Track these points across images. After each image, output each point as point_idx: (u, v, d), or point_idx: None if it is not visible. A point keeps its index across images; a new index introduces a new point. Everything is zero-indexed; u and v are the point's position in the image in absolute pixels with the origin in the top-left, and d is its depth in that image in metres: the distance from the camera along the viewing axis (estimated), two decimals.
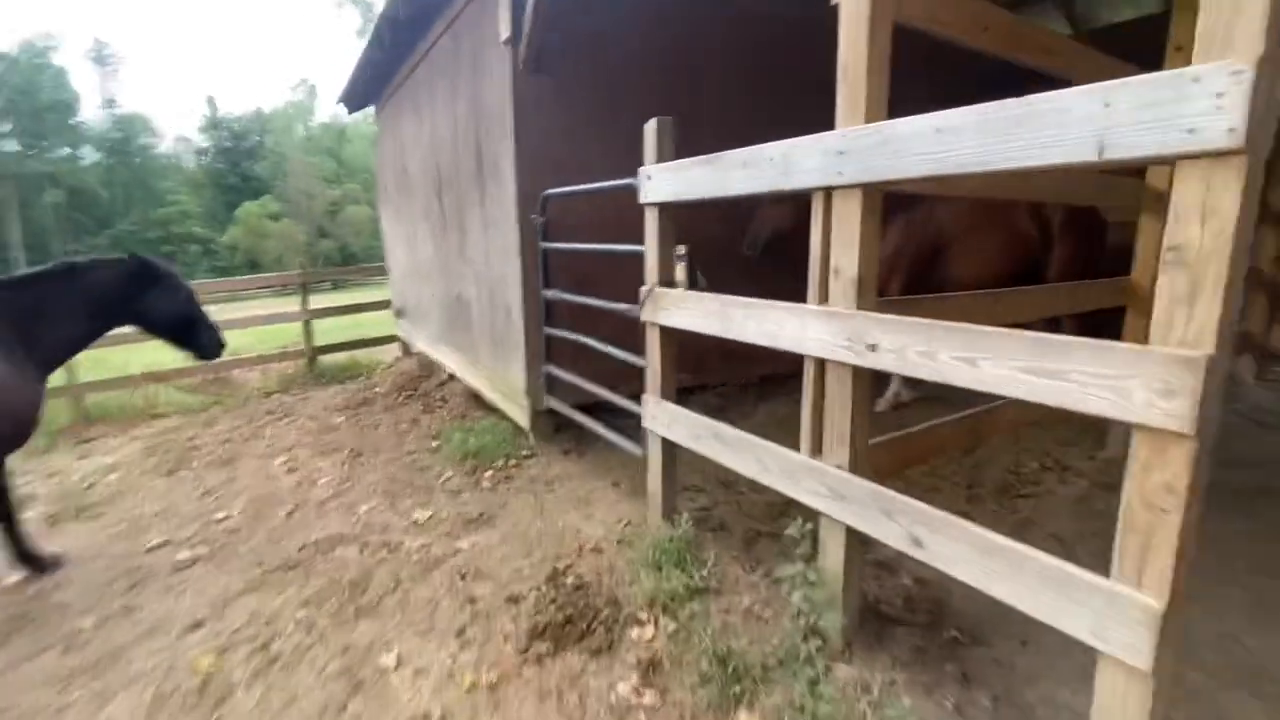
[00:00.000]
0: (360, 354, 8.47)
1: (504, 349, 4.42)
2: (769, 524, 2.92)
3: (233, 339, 8.31)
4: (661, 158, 2.48)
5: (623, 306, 2.98)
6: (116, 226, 43.00)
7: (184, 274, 3.51)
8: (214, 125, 51.92)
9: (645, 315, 2.64)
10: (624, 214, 4.25)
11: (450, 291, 5.59)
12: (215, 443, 5.41)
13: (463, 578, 2.74)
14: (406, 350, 8.00)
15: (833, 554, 1.93)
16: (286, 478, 4.30)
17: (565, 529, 3.07)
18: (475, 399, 5.35)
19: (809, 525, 2.01)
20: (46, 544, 3.28)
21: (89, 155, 46.60)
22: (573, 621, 2.25)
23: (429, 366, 6.90)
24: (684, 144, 2.51)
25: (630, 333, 3.10)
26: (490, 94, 4.08)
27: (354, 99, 7.47)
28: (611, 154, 4.07)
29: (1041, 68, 2.32)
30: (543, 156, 3.88)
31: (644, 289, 2.63)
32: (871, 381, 1.85)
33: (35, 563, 3.06)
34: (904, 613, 2.20)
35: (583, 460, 3.97)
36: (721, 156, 2.13)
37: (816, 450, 1.95)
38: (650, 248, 2.60)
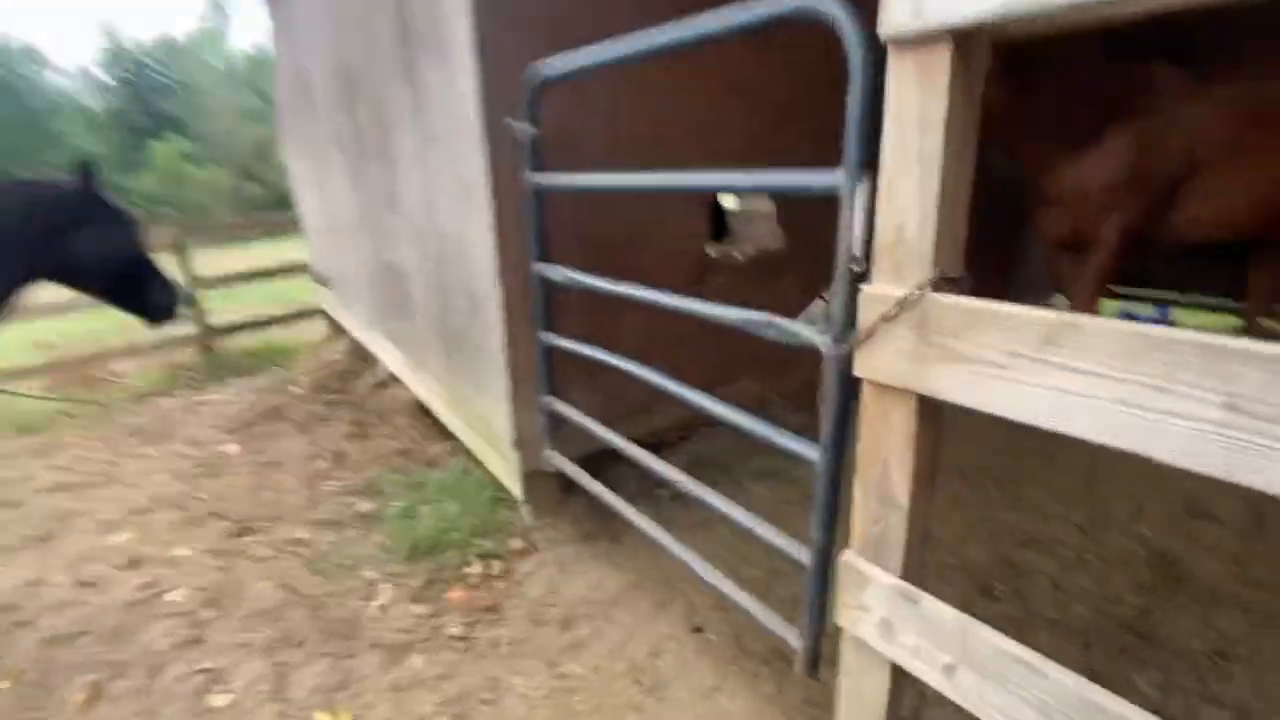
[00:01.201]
0: (279, 331, 6.51)
1: (469, 360, 2.66)
2: None
3: (104, 319, 6.31)
4: None
5: (771, 322, 1.27)
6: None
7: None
8: (116, 57, 45.64)
9: (882, 371, 0.93)
10: (697, 115, 2.45)
11: (378, 256, 3.70)
12: (43, 489, 3.58)
13: None
14: (336, 328, 6.07)
15: None
16: (119, 583, 2.56)
17: None
18: (427, 414, 3.62)
19: None
20: None
21: None
22: None
23: (364, 354, 5.08)
24: None
25: (661, 333, 1.83)
26: None
27: None
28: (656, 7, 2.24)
29: None
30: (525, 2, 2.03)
31: (895, 295, 0.91)
32: None
33: None
34: None
35: (618, 555, 2.33)
36: None
37: None
38: (907, 169, 0.87)
